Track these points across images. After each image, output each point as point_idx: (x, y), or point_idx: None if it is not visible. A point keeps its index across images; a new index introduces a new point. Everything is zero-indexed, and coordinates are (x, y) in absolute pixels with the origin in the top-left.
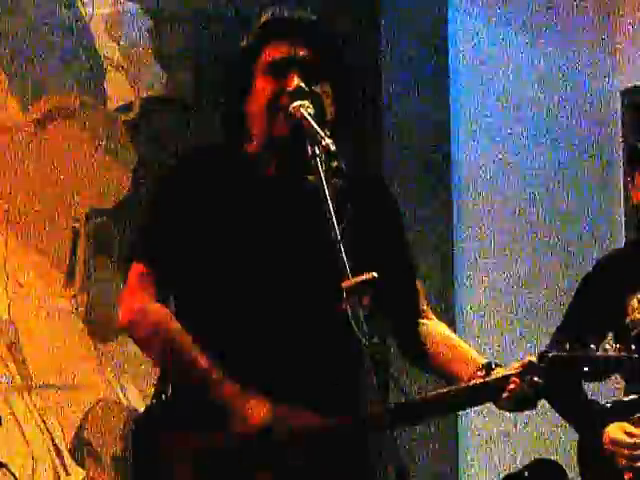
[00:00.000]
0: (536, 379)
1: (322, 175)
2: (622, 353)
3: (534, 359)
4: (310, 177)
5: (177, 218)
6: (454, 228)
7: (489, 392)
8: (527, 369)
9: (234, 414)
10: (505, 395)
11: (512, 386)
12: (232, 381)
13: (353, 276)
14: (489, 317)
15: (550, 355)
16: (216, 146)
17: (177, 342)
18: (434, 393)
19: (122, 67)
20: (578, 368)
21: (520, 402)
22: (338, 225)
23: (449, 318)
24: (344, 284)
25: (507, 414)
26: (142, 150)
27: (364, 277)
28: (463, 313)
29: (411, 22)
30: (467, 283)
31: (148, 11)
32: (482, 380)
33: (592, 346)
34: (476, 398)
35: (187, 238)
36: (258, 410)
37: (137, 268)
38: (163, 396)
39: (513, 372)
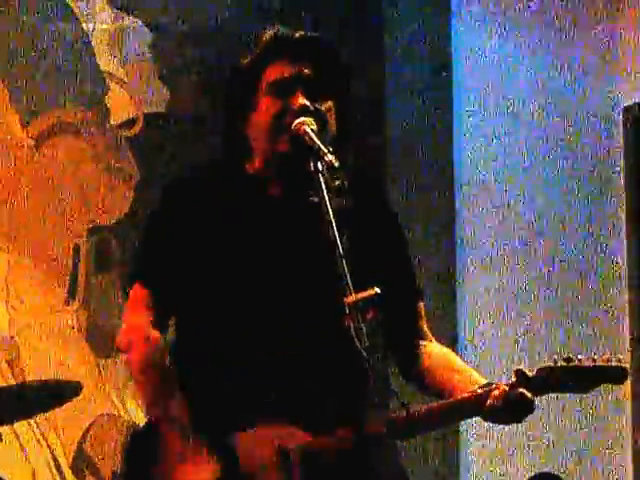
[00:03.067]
0: (522, 391)
1: (324, 191)
2: (610, 363)
3: (526, 370)
4: (312, 196)
5: (177, 239)
6: (456, 242)
7: (477, 404)
8: (517, 381)
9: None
10: (489, 402)
11: (496, 392)
12: (195, 436)
13: (356, 292)
14: (491, 333)
15: (537, 368)
16: (217, 165)
17: (159, 377)
18: (424, 407)
19: (124, 83)
20: (565, 379)
21: (504, 412)
22: (340, 238)
23: (451, 335)
24: (347, 300)
25: (508, 427)
26: (144, 167)
27: (367, 293)
28: (465, 330)
29: (415, 37)
30: (469, 298)
31: (150, 26)
32: (470, 393)
33: (579, 357)
34: (465, 410)
35: (188, 259)
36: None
37: (138, 289)
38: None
39: (502, 383)
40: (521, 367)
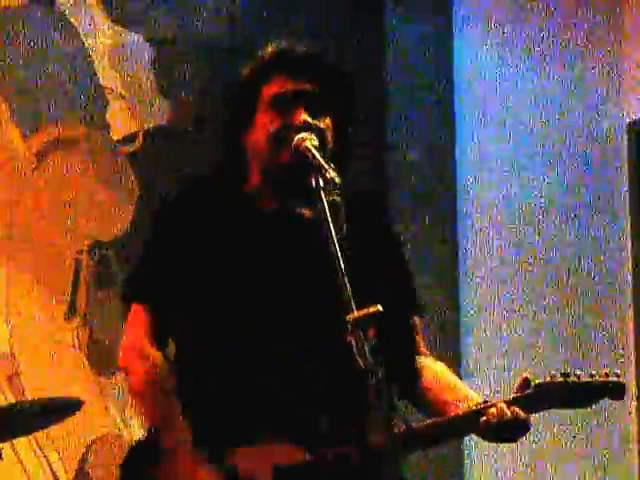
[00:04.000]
0: (516, 409)
1: (326, 207)
2: (608, 378)
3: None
4: (308, 211)
5: (175, 256)
6: (459, 261)
7: (473, 421)
8: (515, 398)
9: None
10: (483, 420)
11: (493, 410)
12: (195, 452)
13: (357, 309)
14: (493, 353)
15: (535, 383)
16: (214, 181)
17: (160, 396)
18: (422, 424)
19: (124, 98)
20: (563, 395)
21: (500, 430)
22: (341, 254)
23: (453, 354)
24: (349, 317)
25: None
26: (145, 182)
27: (369, 310)
28: (468, 348)
29: (416, 51)
30: (472, 318)
31: (151, 41)
32: (466, 410)
33: (577, 372)
34: (460, 428)
35: (186, 277)
36: None
37: (137, 310)
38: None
39: (500, 401)
40: (527, 375)
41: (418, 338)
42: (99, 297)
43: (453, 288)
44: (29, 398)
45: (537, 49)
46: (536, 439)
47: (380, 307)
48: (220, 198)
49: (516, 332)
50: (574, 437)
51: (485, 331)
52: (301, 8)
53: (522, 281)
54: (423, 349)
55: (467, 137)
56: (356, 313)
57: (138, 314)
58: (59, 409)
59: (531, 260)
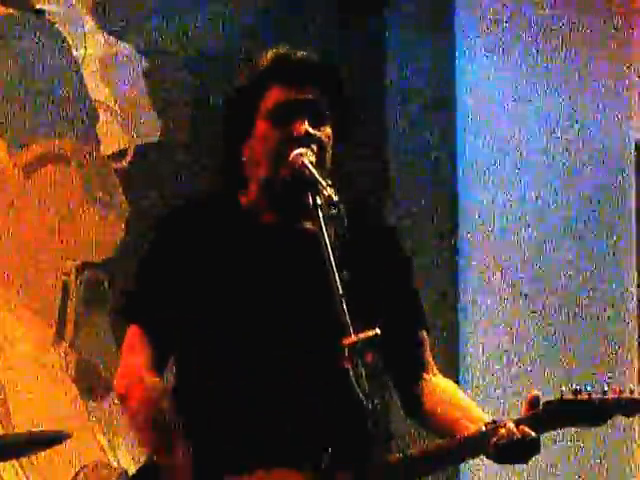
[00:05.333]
0: (527, 429)
1: (324, 227)
2: (622, 395)
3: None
4: (308, 224)
5: (172, 275)
6: (459, 274)
7: (482, 443)
8: (524, 417)
9: None
10: (493, 441)
11: (502, 430)
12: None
13: (355, 331)
14: (493, 367)
15: (545, 401)
16: (210, 195)
17: (159, 423)
18: (424, 447)
19: (115, 111)
20: (574, 413)
21: (510, 451)
22: (339, 275)
23: (452, 367)
24: (345, 341)
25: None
26: (136, 200)
27: (367, 334)
28: (467, 362)
29: (417, 70)
30: (472, 333)
31: (143, 52)
32: (475, 431)
33: (588, 389)
34: (468, 450)
35: (184, 295)
36: None
37: (133, 331)
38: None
39: (509, 420)
40: (536, 393)
41: (426, 355)
42: (88, 319)
43: (452, 304)
44: (14, 424)
45: (543, 66)
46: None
47: (378, 331)
48: (218, 212)
49: (517, 347)
50: (575, 447)
51: (484, 346)
52: (297, 18)
53: (525, 299)
54: (432, 366)
55: (468, 153)
56: (353, 337)
57: (135, 337)
58: (44, 442)
59: (534, 278)
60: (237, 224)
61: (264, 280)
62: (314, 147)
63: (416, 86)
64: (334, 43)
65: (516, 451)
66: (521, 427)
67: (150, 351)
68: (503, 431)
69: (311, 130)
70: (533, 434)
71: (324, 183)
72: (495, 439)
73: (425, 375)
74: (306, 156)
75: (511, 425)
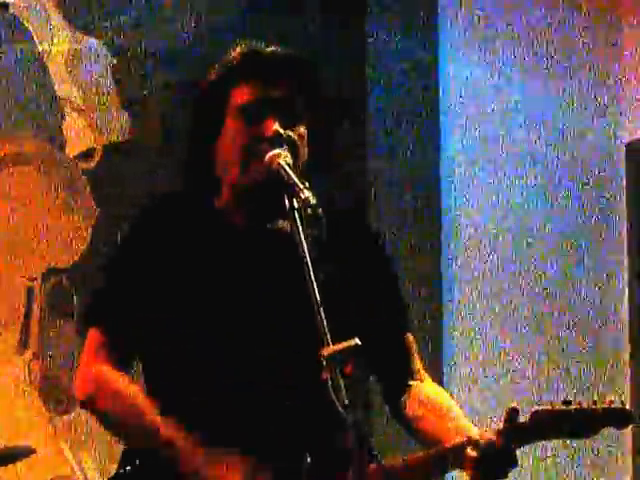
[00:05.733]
0: (503, 441)
1: (300, 230)
2: (613, 405)
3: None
4: (283, 224)
5: (137, 277)
6: (443, 281)
7: (458, 456)
8: (509, 428)
9: None
10: (468, 453)
11: (481, 442)
12: (199, 445)
13: (335, 341)
14: (478, 372)
15: (533, 410)
16: (181, 196)
17: (138, 409)
18: (402, 460)
19: (82, 110)
20: (564, 424)
21: (486, 465)
22: (317, 281)
23: (437, 371)
24: (324, 352)
25: None
26: (104, 203)
27: (346, 344)
28: (452, 366)
29: (399, 68)
30: (457, 338)
31: (112, 48)
32: (454, 443)
33: (578, 401)
34: (445, 463)
35: (149, 298)
36: (232, 477)
37: (94, 334)
38: (128, 468)
39: (490, 431)
40: (515, 405)
41: (413, 360)
42: (54, 328)
43: (437, 308)
44: None
45: (532, 67)
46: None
47: (358, 341)
48: (189, 213)
49: (503, 354)
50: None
51: (470, 351)
52: (276, 15)
53: (512, 303)
54: (420, 372)
55: (453, 155)
56: (331, 348)
57: (97, 340)
58: (8, 458)
59: (523, 281)
60: (209, 225)
61: (237, 283)
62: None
63: (399, 85)
64: (316, 42)
65: (492, 465)
66: (500, 439)
67: (113, 355)
68: (481, 442)
69: (281, 130)
70: (509, 446)
71: (301, 185)
72: (470, 452)
73: (412, 382)
74: (282, 157)
75: (490, 436)
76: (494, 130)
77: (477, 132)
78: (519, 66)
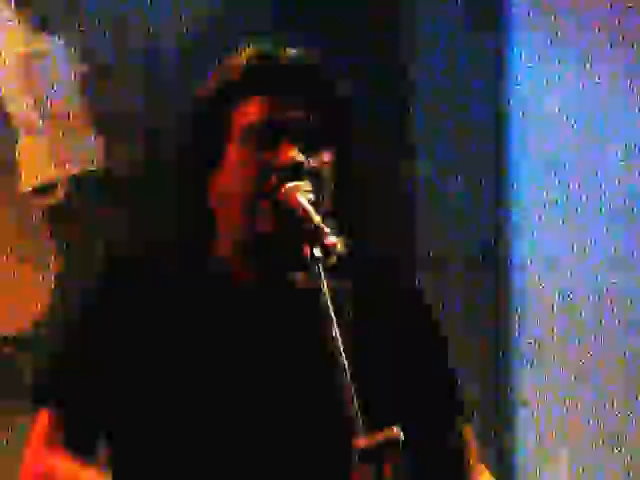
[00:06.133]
0: None
1: (325, 288)
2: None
3: None
4: (300, 279)
5: (105, 343)
6: (509, 339)
7: None
8: None
9: None
10: None
11: None
12: None
13: (368, 429)
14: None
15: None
16: (166, 241)
17: None
18: None
19: (41, 129)
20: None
21: None
22: (345, 351)
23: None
24: (358, 443)
25: None
26: (67, 248)
27: (384, 435)
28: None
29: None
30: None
31: (79, 52)
32: None
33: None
34: None
35: (121, 371)
36: None
37: (46, 416)
38: None
39: None
40: None
41: (470, 453)
42: (1, 409)
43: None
44: None
45: (618, 67)
46: None
47: (400, 432)
48: (176, 263)
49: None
50: None
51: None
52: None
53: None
54: (476, 467)
55: (519, 175)
56: (366, 439)
57: (48, 421)
58: None
59: (599, 335)
60: (202, 278)
61: (239, 355)
62: (308, 181)
63: (454, 94)
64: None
65: None
66: None
67: (71, 438)
68: None
69: (301, 157)
70: None
71: (326, 228)
72: None
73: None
74: (302, 192)
75: None
76: (571, 146)
77: (548, 148)
78: (604, 66)
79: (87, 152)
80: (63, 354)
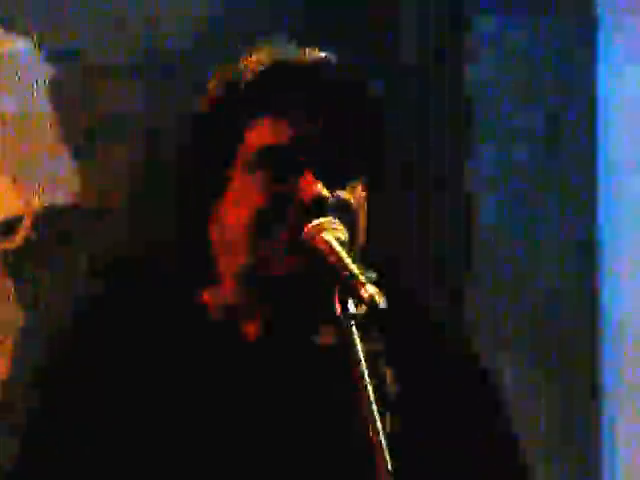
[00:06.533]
0: None
1: (360, 351)
2: None
3: None
4: (325, 338)
5: (71, 429)
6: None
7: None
8: None
9: None
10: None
11: None
12: None
13: None
14: None
15: None
16: (155, 292)
17: None
18: None
19: (3, 156)
20: None
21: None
22: (383, 427)
23: None
24: None
25: None
26: (32, 303)
27: None
28: None
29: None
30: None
31: (51, 53)
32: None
33: None
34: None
35: (89, 460)
36: None
37: None
38: None
39: None
40: None
41: None
42: None
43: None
44: None
45: None
46: None
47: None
48: (166, 320)
49: None
50: None
51: None
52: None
53: None
54: None
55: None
56: None
57: None
58: None
59: None
60: (201, 334)
61: (245, 433)
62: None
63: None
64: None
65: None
66: None
67: None
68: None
69: (326, 192)
70: None
71: (362, 277)
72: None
73: None
74: (331, 231)
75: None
76: None
77: None
78: None
79: (59, 179)
80: (22, 448)
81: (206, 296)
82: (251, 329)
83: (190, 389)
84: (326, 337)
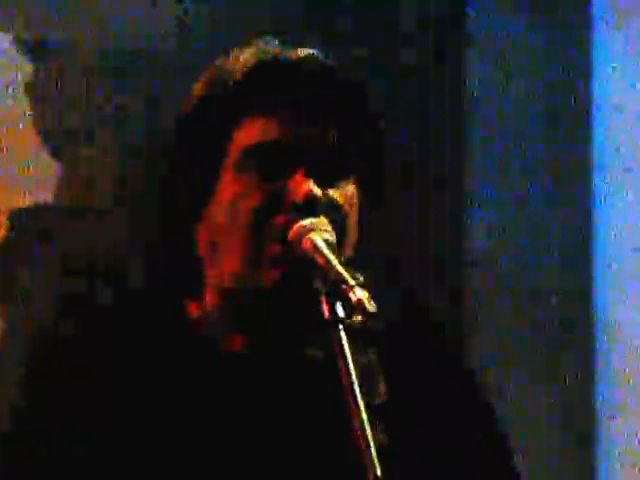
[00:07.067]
0: None
1: (349, 360)
2: None
3: None
4: (312, 349)
5: (55, 448)
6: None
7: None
8: None
9: None
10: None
11: None
12: None
13: None
14: None
15: None
16: (138, 303)
17: None
18: None
19: None
20: None
21: None
22: (375, 441)
23: None
24: None
25: None
26: (7, 317)
27: None
28: None
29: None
30: None
31: (28, 48)
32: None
33: None
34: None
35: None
36: None
37: None
38: None
39: None
40: None
41: None
42: None
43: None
44: None
45: None
46: None
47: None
48: (150, 332)
49: None
50: None
51: None
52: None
53: None
54: None
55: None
56: None
57: None
58: None
59: None
60: (186, 346)
61: (236, 447)
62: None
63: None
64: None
65: None
66: None
67: None
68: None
69: (317, 190)
70: None
71: (351, 280)
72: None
73: None
74: (318, 232)
75: None
76: None
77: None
78: None
79: (39, 179)
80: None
81: (191, 308)
82: (237, 344)
83: (174, 402)
84: (315, 348)
